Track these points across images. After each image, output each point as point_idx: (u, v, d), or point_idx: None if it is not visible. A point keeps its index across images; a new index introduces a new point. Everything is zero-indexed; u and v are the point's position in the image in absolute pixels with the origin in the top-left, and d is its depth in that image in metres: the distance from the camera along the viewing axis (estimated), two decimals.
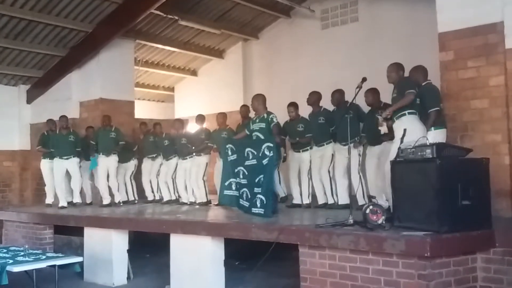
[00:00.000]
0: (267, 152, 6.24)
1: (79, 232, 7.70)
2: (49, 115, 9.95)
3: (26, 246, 6.18)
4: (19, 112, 11.46)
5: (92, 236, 7.39)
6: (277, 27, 12.34)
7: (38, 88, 11.33)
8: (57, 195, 9.40)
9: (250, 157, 6.51)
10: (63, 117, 9.41)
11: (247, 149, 6.58)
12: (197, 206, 8.57)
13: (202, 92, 13.35)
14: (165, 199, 9.58)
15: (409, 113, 5.40)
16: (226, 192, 6.97)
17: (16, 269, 5.26)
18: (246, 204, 6.48)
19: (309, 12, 11.40)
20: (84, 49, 10.20)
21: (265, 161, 6.23)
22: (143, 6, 9.27)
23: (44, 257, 5.76)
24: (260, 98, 7.09)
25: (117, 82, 10.61)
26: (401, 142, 5.18)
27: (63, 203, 9.17)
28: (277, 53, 12.22)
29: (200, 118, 9.16)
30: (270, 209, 6.06)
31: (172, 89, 14.48)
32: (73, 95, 10.79)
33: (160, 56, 12.68)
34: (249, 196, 6.40)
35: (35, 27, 9.57)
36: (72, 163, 9.24)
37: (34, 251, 6.18)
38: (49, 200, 9.59)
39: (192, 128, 10.10)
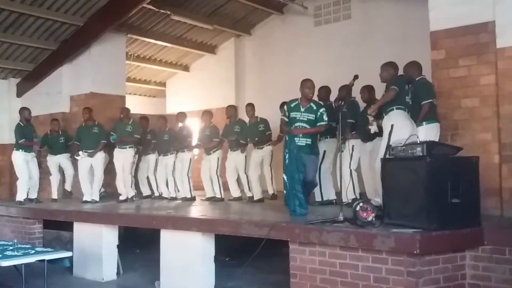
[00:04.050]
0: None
1: (68, 227, 7.66)
2: (39, 109, 9.89)
3: (15, 241, 6.12)
4: (9, 106, 11.33)
5: (82, 231, 7.36)
6: (270, 23, 12.33)
7: (28, 81, 11.23)
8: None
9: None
10: (24, 108, 9.10)
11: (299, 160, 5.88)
12: (180, 201, 8.71)
13: (194, 87, 13.32)
14: (144, 194, 9.71)
15: (397, 109, 5.47)
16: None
17: (5, 263, 5.22)
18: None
19: (302, 9, 11.40)
20: (75, 43, 10.14)
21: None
22: (135, 0, 9.22)
23: (33, 251, 5.72)
24: (311, 85, 6.15)
25: (108, 77, 10.55)
26: (389, 138, 5.20)
27: (87, 197, 8.87)
28: (269, 50, 12.22)
29: (181, 116, 9.21)
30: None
31: (164, 84, 14.44)
32: (64, 89, 10.72)
33: (152, 51, 12.63)
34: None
35: (26, 20, 9.49)
36: (96, 158, 8.85)
37: (23, 246, 6.14)
38: (20, 196, 8.86)
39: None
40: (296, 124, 6.03)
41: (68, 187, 9.79)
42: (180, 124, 9.13)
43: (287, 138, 6.06)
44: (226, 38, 12.76)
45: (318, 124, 6.04)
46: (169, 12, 10.60)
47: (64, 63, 10.60)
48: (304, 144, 5.96)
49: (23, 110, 9.07)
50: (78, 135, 9.13)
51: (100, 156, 8.92)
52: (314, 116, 6.03)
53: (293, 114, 6.09)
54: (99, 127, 9.05)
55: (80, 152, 8.87)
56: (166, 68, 13.50)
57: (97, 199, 8.90)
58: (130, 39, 11.44)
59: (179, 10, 10.79)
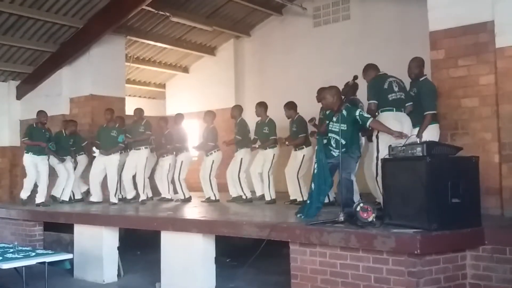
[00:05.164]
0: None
1: (69, 229, 7.66)
2: None
3: (16, 243, 6.13)
4: (8, 108, 11.36)
5: (82, 233, 7.35)
6: (269, 24, 12.34)
7: (28, 84, 11.23)
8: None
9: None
10: (40, 111, 8.99)
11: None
12: (176, 203, 8.82)
13: (194, 89, 13.33)
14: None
15: (382, 111, 5.49)
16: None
17: (6, 266, 5.22)
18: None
19: (301, 10, 11.41)
20: (75, 45, 10.13)
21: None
22: (134, 2, 9.25)
23: (33, 254, 5.72)
24: (334, 91, 5.65)
25: (108, 79, 10.56)
26: (377, 141, 5.22)
27: (93, 198, 8.88)
28: (269, 51, 12.23)
29: (178, 117, 9.28)
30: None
31: (164, 86, 14.45)
32: (64, 91, 10.73)
33: (151, 53, 12.63)
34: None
35: (25, 23, 9.49)
36: (110, 160, 8.79)
37: (24, 248, 6.14)
38: (24, 194, 8.98)
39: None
40: (329, 135, 5.60)
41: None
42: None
43: (317, 145, 5.75)
44: (225, 39, 12.77)
45: (368, 124, 5.33)
46: (168, 14, 10.61)
47: (64, 65, 10.60)
48: (337, 155, 5.46)
49: (38, 113, 9.01)
50: (98, 134, 9.12)
51: (115, 158, 8.86)
52: (346, 125, 5.39)
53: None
54: (118, 130, 8.98)
55: (94, 149, 8.87)
56: (166, 70, 13.51)
57: (116, 201, 8.76)
58: (129, 41, 11.44)
59: (178, 12, 10.80)
